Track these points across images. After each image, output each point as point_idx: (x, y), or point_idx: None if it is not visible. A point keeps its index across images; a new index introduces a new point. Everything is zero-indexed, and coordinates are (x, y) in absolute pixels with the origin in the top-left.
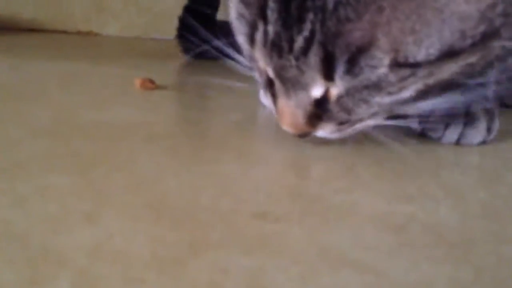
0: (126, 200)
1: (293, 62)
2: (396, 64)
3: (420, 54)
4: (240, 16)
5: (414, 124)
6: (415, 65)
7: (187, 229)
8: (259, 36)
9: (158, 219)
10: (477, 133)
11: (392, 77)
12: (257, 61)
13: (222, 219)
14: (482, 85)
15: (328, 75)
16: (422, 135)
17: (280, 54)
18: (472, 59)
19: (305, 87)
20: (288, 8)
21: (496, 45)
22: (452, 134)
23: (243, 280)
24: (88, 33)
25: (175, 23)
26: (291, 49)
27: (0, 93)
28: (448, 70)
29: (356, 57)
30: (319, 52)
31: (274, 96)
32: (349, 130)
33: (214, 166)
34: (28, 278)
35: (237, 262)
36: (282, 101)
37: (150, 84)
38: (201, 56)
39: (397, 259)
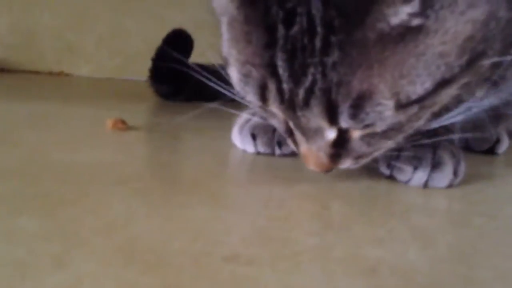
0: (96, 243)
1: (300, 112)
2: (401, 106)
3: (417, 91)
4: (246, 77)
5: (384, 168)
6: (418, 100)
7: (159, 273)
8: (272, 94)
9: (128, 263)
10: (444, 176)
11: (402, 117)
12: (274, 114)
13: (194, 263)
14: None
15: (334, 120)
16: (391, 178)
17: (293, 108)
18: (465, 79)
19: (319, 133)
20: (293, 66)
21: (486, 63)
22: (420, 177)
23: None
24: (60, 74)
25: (146, 64)
26: (297, 101)
27: None
28: (448, 94)
29: (359, 104)
30: (322, 101)
31: (295, 142)
32: (368, 159)
33: (185, 209)
34: None
35: None
36: (303, 147)
37: (122, 125)
38: (174, 98)
39: None
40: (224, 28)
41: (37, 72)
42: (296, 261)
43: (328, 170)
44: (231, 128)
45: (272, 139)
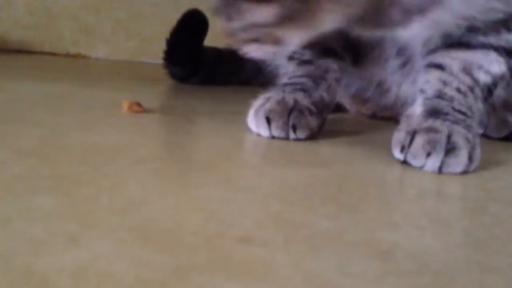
0: (111, 222)
1: None
2: None
3: None
4: None
5: (397, 153)
6: None
7: (172, 252)
8: None
9: (143, 242)
10: (459, 162)
11: None
12: None
13: (207, 243)
14: None
15: None
16: (405, 163)
17: None
18: None
19: None
20: None
21: None
22: (433, 162)
23: None
24: (77, 56)
25: (163, 47)
26: None
27: None
28: None
29: None
30: None
31: None
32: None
33: (199, 190)
34: None
35: (222, 286)
36: None
37: (138, 107)
38: (188, 80)
39: (382, 286)
40: None
41: (54, 54)
42: (310, 244)
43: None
44: (245, 111)
45: (287, 123)
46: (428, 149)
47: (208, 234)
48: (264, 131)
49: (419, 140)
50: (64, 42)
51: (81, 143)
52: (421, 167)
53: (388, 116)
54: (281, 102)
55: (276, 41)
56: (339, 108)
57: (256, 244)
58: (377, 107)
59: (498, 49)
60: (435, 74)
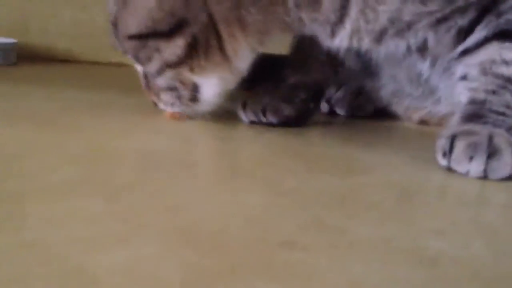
0: (157, 225)
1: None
2: None
3: None
4: None
5: (441, 158)
6: None
7: (216, 255)
8: None
9: (187, 245)
10: (503, 166)
11: None
12: None
13: (250, 247)
14: None
15: None
16: (449, 169)
17: None
18: None
19: None
20: None
21: None
22: (477, 166)
23: None
24: (119, 64)
25: None
26: None
27: (37, 121)
28: None
29: None
30: None
31: None
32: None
33: (243, 195)
34: None
35: None
36: None
37: (179, 114)
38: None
39: None
40: None
41: (97, 63)
42: (353, 250)
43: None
44: None
45: (257, 107)
46: (470, 153)
47: (251, 238)
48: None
49: (459, 145)
50: (107, 51)
51: (127, 149)
52: (466, 173)
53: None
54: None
55: (192, 88)
56: (392, 115)
57: (298, 249)
58: (429, 115)
59: (499, 36)
60: (462, 85)
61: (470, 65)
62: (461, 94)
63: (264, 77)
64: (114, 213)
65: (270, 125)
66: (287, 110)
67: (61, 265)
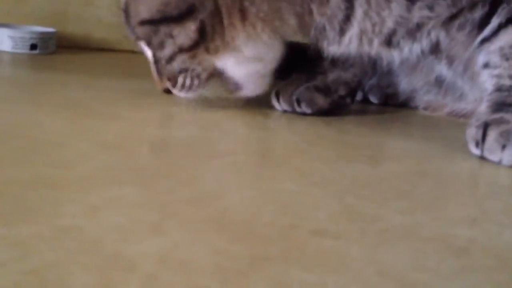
0: (190, 213)
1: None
2: None
3: None
4: None
5: (473, 148)
6: None
7: (249, 243)
8: None
9: (220, 232)
10: None
11: None
12: None
13: (282, 235)
14: None
15: None
16: (482, 158)
17: None
18: None
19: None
20: None
21: None
22: (510, 155)
23: None
24: None
25: None
26: None
27: (74, 110)
28: None
29: None
30: None
31: None
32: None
33: (274, 183)
34: (101, 282)
35: (297, 276)
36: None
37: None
38: None
39: (458, 282)
40: None
41: (132, 52)
42: (384, 238)
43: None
44: None
45: (291, 96)
46: (502, 142)
47: (282, 226)
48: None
49: (492, 134)
50: None
51: (159, 137)
52: (499, 162)
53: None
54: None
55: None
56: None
57: (330, 237)
58: (451, 113)
59: None
60: (485, 73)
61: (490, 52)
62: (486, 82)
63: (298, 66)
64: (148, 201)
65: (303, 114)
66: (322, 102)
67: (98, 251)
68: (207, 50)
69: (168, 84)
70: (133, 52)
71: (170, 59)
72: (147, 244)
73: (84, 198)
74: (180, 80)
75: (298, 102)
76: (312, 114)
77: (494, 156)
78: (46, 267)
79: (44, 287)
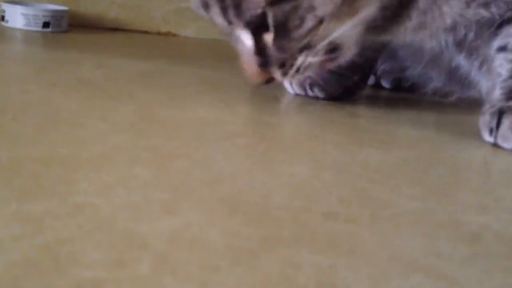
0: (203, 193)
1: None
2: None
3: None
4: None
5: (487, 136)
6: None
7: (260, 224)
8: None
9: (232, 213)
10: None
11: None
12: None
13: (294, 217)
14: None
15: None
16: (495, 146)
17: None
18: None
19: (240, 41)
20: None
21: None
22: None
23: (314, 277)
24: (167, 34)
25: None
26: None
27: (87, 89)
28: None
29: None
30: None
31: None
32: (293, 69)
33: (286, 166)
34: (113, 259)
35: (308, 259)
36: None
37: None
38: None
39: (470, 268)
40: None
41: (146, 32)
42: (395, 223)
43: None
44: None
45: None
46: None
47: (294, 209)
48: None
49: (506, 122)
50: (155, 21)
51: (173, 118)
52: None
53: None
54: None
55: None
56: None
57: (342, 220)
58: (459, 96)
59: None
60: (501, 57)
61: (509, 34)
62: (501, 67)
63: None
64: (161, 181)
65: (316, 98)
66: (336, 87)
67: (111, 229)
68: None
69: (277, 73)
70: (146, 32)
71: (305, 35)
72: (160, 223)
73: (97, 176)
74: (300, 59)
75: (311, 86)
76: (325, 99)
77: (507, 144)
78: (59, 243)
79: (56, 262)
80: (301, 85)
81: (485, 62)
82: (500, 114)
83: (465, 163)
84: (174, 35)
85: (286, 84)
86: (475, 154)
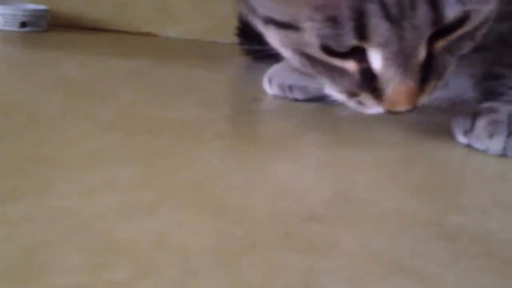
0: (185, 195)
1: (406, 23)
2: None
3: None
4: (332, 21)
5: (461, 137)
6: None
7: (242, 226)
8: (375, 19)
9: (214, 215)
10: None
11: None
12: (345, 70)
13: (275, 219)
14: None
15: (439, 15)
16: (469, 147)
17: (399, 22)
18: None
19: (415, 53)
20: None
21: None
22: (497, 144)
23: (294, 279)
24: (148, 34)
25: (234, 28)
26: (403, 11)
27: (70, 88)
28: None
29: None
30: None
31: (376, 89)
32: (441, 83)
33: (270, 167)
34: (92, 264)
35: (289, 261)
36: (397, 84)
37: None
38: (262, 57)
39: (448, 268)
40: None
41: (127, 32)
42: (375, 224)
43: (416, 103)
44: None
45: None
46: (491, 131)
47: (276, 210)
48: (268, 89)
49: (480, 123)
50: (136, 21)
51: (158, 118)
52: (485, 150)
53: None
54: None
55: None
56: None
57: (324, 221)
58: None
59: None
60: (477, 56)
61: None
62: (475, 67)
63: None
64: (144, 183)
65: (295, 100)
66: (315, 89)
67: (91, 232)
68: None
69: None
70: (127, 33)
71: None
72: (141, 226)
73: (80, 177)
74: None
75: (290, 88)
76: (304, 100)
77: (481, 145)
78: (39, 246)
79: (35, 267)
80: (281, 87)
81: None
82: (474, 115)
83: (441, 162)
84: (155, 35)
85: (266, 85)
86: (450, 153)
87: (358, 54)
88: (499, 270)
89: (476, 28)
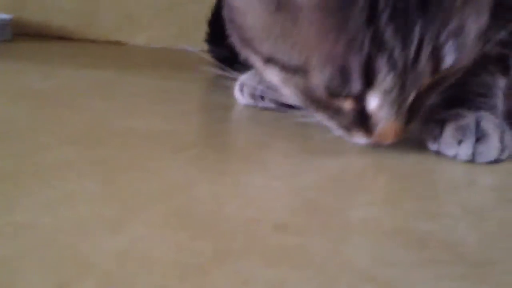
0: (152, 208)
1: (410, 74)
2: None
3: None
4: (341, 72)
5: (431, 143)
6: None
7: (210, 238)
8: (383, 70)
9: (182, 228)
10: (490, 149)
11: (476, 49)
12: (340, 108)
13: (244, 229)
14: None
15: (438, 65)
16: (438, 153)
17: (404, 71)
18: None
19: (409, 98)
20: (399, 27)
21: None
22: (465, 150)
23: None
24: (116, 43)
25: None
26: (408, 62)
27: (33, 100)
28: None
29: (457, 36)
30: (429, 48)
31: (368, 126)
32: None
33: (238, 177)
34: (54, 280)
35: (258, 273)
36: (388, 123)
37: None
38: (232, 63)
39: (418, 275)
40: (287, 30)
41: (93, 41)
42: (345, 233)
43: (401, 137)
44: None
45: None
46: (459, 137)
47: (245, 221)
48: (240, 99)
49: (448, 129)
50: (104, 29)
51: (125, 129)
52: (454, 156)
53: None
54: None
55: None
56: None
57: (292, 232)
58: None
59: None
60: None
61: None
62: None
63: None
64: (109, 195)
65: (266, 109)
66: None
67: (54, 248)
68: None
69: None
70: (94, 41)
71: None
72: (106, 241)
73: (42, 191)
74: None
75: (262, 96)
76: (275, 109)
77: (450, 151)
78: (0, 263)
79: None
80: (252, 95)
81: None
82: (442, 122)
83: (409, 169)
84: (123, 44)
85: (237, 93)
86: (418, 160)
87: (357, 95)
88: (470, 276)
89: (463, 67)
